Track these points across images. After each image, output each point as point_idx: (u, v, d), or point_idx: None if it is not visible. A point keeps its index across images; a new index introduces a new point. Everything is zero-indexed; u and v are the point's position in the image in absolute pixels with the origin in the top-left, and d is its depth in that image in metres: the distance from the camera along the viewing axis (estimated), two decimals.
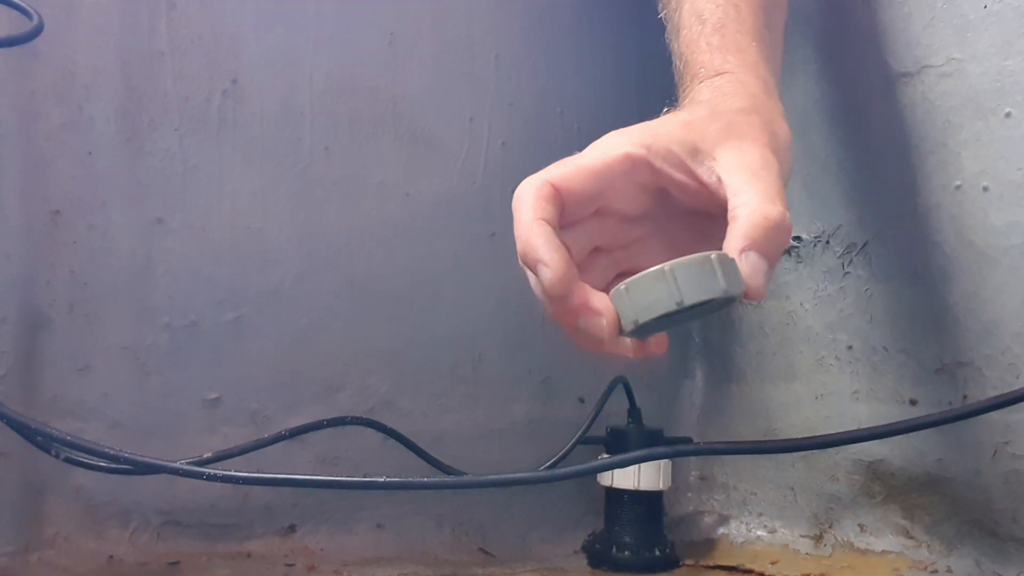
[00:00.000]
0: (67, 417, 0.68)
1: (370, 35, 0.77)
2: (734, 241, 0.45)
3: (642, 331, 0.45)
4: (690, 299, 0.43)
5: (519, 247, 0.46)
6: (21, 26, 0.63)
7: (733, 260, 0.44)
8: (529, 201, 0.46)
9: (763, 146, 0.50)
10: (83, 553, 0.68)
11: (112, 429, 0.69)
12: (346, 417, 0.73)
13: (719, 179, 0.48)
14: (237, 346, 0.73)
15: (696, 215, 0.51)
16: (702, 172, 0.49)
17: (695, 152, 0.49)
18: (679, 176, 0.49)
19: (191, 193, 0.72)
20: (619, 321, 0.44)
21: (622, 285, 0.44)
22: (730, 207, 0.47)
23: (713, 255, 0.43)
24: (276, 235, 0.74)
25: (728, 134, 0.50)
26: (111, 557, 0.69)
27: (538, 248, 0.45)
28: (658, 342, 0.49)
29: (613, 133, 0.51)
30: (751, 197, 0.47)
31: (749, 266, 0.45)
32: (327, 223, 0.76)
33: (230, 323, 0.73)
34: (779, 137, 0.53)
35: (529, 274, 0.47)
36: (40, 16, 0.63)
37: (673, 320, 0.44)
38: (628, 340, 0.47)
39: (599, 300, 0.45)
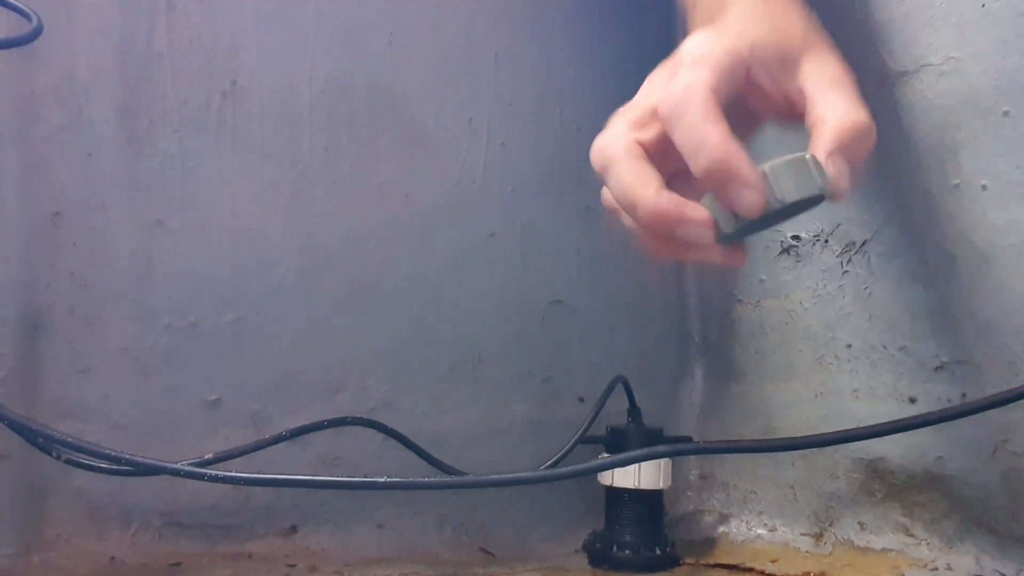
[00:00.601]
0: (68, 419, 0.68)
1: (370, 35, 0.78)
2: (822, 144, 0.46)
3: (738, 235, 0.46)
4: (790, 197, 0.44)
5: (711, 161, 0.44)
6: (20, 28, 0.63)
7: (819, 161, 0.45)
8: (711, 109, 0.44)
9: (838, 58, 0.51)
10: (84, 555, 0.68)
11: (113, 430, 0.69)
12: (347, 417, 0.73)
13: (800, 89, 0.49)
14: (237, 347, 0.73)
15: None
16: (785, 80, 0.49)
17: (783, 60, 0.49)
18: (767, 85, 0.49)
19: (191, 194, 0.72)
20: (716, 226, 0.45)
21: None
22: (815, 114, 0.48)
23: (807, 155, 0.44)
24: (276, 236, 0.74)
25: (807, 44, 0.50)
26: (113, 558, 0.69)
27: (743, 167, 0.43)
28: (738, 255, 0.49)
29: (706, 35, 0.49)
30: (838, 103, 0.47)
31: (836, 168, 0.45)
32: (327, 224, 0.76)
33: (230, 324, 0.73)
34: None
35: (620, 185, 0.47)
36: (39, 18, 0.63)
37: (766, 223, 0.46)
38: (718, 246, 0.47)
39: (699, 208, 0.45)
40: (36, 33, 0.63)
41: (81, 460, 0.62)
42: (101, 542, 0.69)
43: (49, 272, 0.68)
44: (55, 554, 0.68)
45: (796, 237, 0.80)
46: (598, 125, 0.86)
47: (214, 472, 0.59)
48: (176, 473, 0.60)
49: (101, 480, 0.66)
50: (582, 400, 0.85)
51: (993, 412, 0.51)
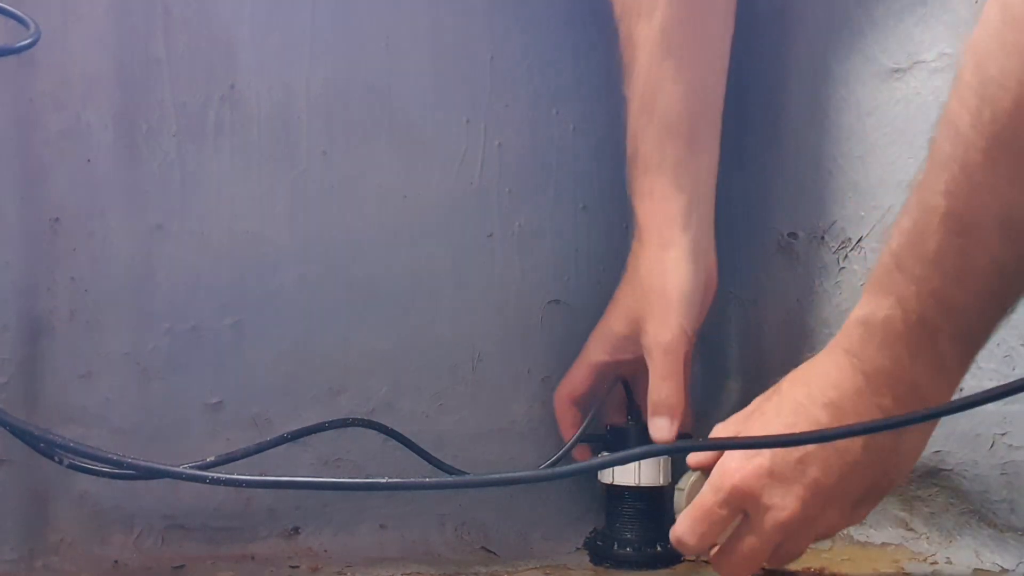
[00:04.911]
0: (69, 423, 0.68)
1: (366, 38, 0.78)
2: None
3: None
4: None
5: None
6: (18, 35, 0.63)
7: None
8: None
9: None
10: (88, 559, 0.68)
11: (114, 435, 0.69)
12: (348, 419, 0.73)
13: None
14: (238, 350, 0.73)
15: None
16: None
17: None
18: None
19: (190, 199, 0.72)
20: None
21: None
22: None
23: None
24: (275, 239, 0.75)
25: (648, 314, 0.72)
26: (116, 562, 0.69)
27: None
28: None
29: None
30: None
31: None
32: (326, 227, 0.76)
33: (230, 328, 0.73)
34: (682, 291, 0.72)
35: None
36: (37, 25, 0.63)
37: None
38: None
39: None
40: (34, 40, 0.63)
41: (83, 464, 0.63)
42: (104, 546, 0.69)
43: (49, 277, 0.68)
44: (58, 558, 0.68)
45: (792, 235, 0.80)
46: (592, 125, 0.87)
47: (216, 475, 0.59)
48: (178, 476, 0.60)
49: (104, 484, 0.67)
50: None
51: (991, 406, 0.51)
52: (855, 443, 0.56)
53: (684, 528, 0.62)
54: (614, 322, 0.76)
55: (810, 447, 0.57)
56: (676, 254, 0.72)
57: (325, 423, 0.72)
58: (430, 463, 0.74)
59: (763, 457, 0.58)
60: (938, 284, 0.50)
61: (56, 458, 0.62)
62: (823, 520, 0.60)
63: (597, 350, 0.77)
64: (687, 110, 0.73)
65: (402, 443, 0.73)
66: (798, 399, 0.58)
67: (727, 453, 0.61)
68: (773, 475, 0.58)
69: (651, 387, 0.73)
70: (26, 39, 0.63)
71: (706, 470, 0.65)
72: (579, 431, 0.77)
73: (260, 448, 0.68)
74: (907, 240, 0.51)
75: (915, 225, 0.51)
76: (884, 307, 0.53)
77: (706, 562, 0.73)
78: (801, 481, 0.57)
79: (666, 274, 0.72)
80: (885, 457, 0.57)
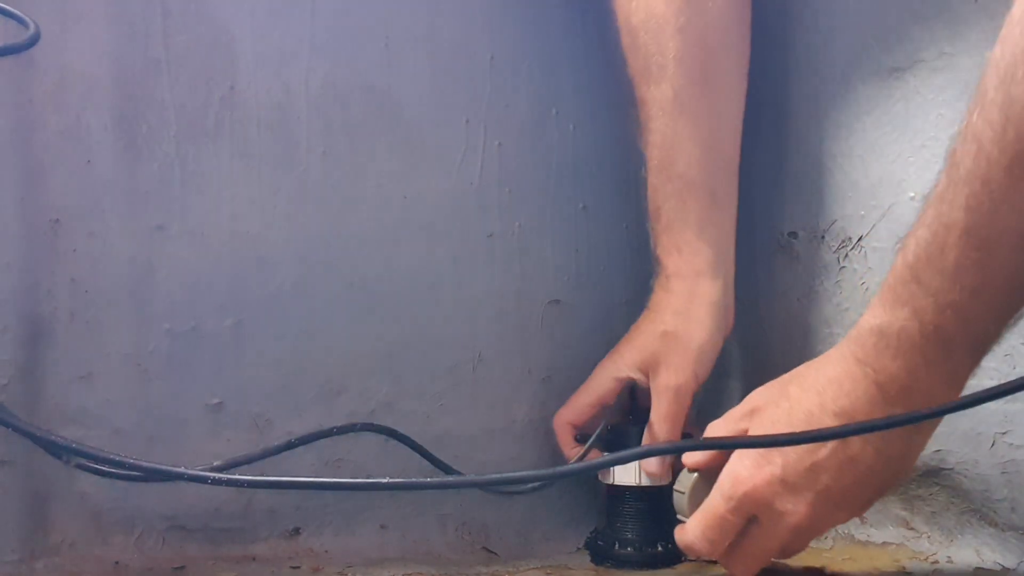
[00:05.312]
0: (70, 424, 0.68)
1: (366, 39, 0.78)
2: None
3: None
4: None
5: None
6: (17, 35, 0.63)
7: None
8: None
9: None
10: (89, 560, 0.68)
11: (115, 435, 0.69)
12: (356, 424, 0.73)
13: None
14: (238, 351, 0.73)
15: None
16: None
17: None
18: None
19: (190, 199, 0.72)
20: None
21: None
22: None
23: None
24: (275, 240, 0.74)
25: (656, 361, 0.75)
26: (117, 563, 0.69)
27: None
28: None
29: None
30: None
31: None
32: (325, 227, 0.76)
33: (230, 328, 0.73)
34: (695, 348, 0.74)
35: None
36: (36, 25, 0.63)
37: None
38: None
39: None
40: (33, 40, 0.63)
41: (88, 466, 0.63)
42: (105, 547, 0.69)
43: (49, 279, 0.68)
44: (59, 559, 0.68)
45: (793, 234, 0.80)
46: (592, 125, 0.87)
47: (217, 475, 0.59)
48: (179, 477, 0.60)
49: (105, 485, 0.67)
50: None
51: (991, 405, 0.51)
52: (867, 450, 0.56)
53: (695, 535, 0.62)
54: (628, 359, 0.76)
55: (820, 455, 0.57)
56: (704, 308, 0.75)
57: (333, 428, 0.71)
58: (436, 466, 0.74)
59: (774, 466, 0.58)
60: (956, 297, 0.51)
61: (63, 459, 0.62)
62: (831, 520, 0.61)
63: (604, 384, 0.77)
64: (705, 168, 0.75)
65: (410, 446, 0.73)
66: (810, 409, 0.58)
67: (736, 459, 0.61)
68: (785, 483, 0.58)
69: (652, 425, 0.74)
70: (26, 39, 0.63)
71: (703, 471, 0.65)
72: (592, 437, 0.77)
73: (266, 454, 0.67)
74: (924, 253, 0.52)
75: (934, 238, 0.51)
76: (900, 318, 0.53)
77: (708, 560, 0.73)
78: (813, 488, 0.57)
79: (691, 325, 0.74)
80: (895, 462, 0.58)
